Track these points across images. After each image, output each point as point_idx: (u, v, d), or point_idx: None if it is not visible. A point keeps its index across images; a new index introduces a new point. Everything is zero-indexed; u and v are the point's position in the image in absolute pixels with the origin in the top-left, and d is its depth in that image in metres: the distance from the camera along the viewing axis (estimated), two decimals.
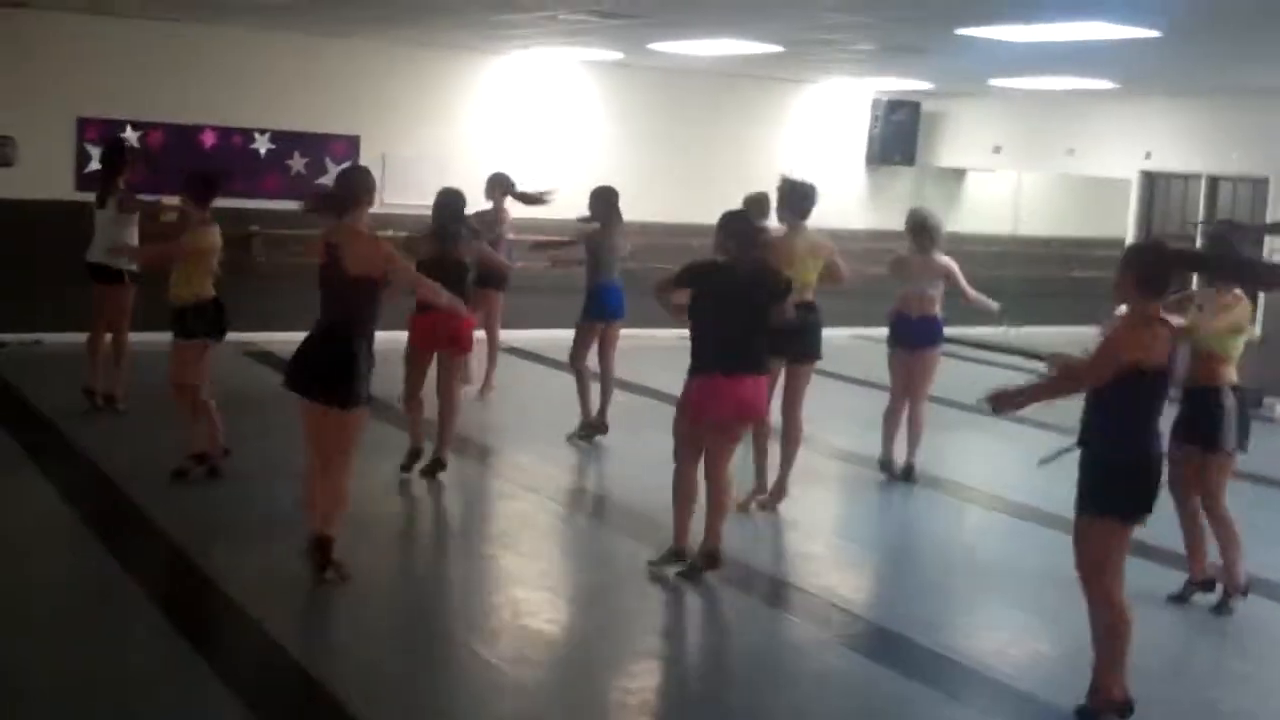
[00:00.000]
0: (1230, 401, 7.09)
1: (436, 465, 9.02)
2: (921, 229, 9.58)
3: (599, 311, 10.36)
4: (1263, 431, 12.79)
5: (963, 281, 9.62)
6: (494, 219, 11.76)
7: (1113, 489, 5.56)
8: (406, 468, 9.05)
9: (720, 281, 7.20)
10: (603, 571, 7.73)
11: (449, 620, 6.79)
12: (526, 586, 7.27)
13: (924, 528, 9.10)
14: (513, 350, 13.43)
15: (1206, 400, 7.09)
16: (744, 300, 7.15)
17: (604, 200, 10.49)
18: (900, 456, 9.69)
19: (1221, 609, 7.25)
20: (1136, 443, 5.59)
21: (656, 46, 13.24)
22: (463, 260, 8.89)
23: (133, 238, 10.26)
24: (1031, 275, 17.67)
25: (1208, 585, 7.35)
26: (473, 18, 11.69)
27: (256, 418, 9.72)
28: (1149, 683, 5.95)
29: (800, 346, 8.48)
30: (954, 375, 11.21)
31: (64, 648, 6.14)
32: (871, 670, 6.31)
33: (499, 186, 11.98)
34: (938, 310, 9.64)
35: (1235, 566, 7.21)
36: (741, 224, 7.36)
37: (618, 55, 14.57)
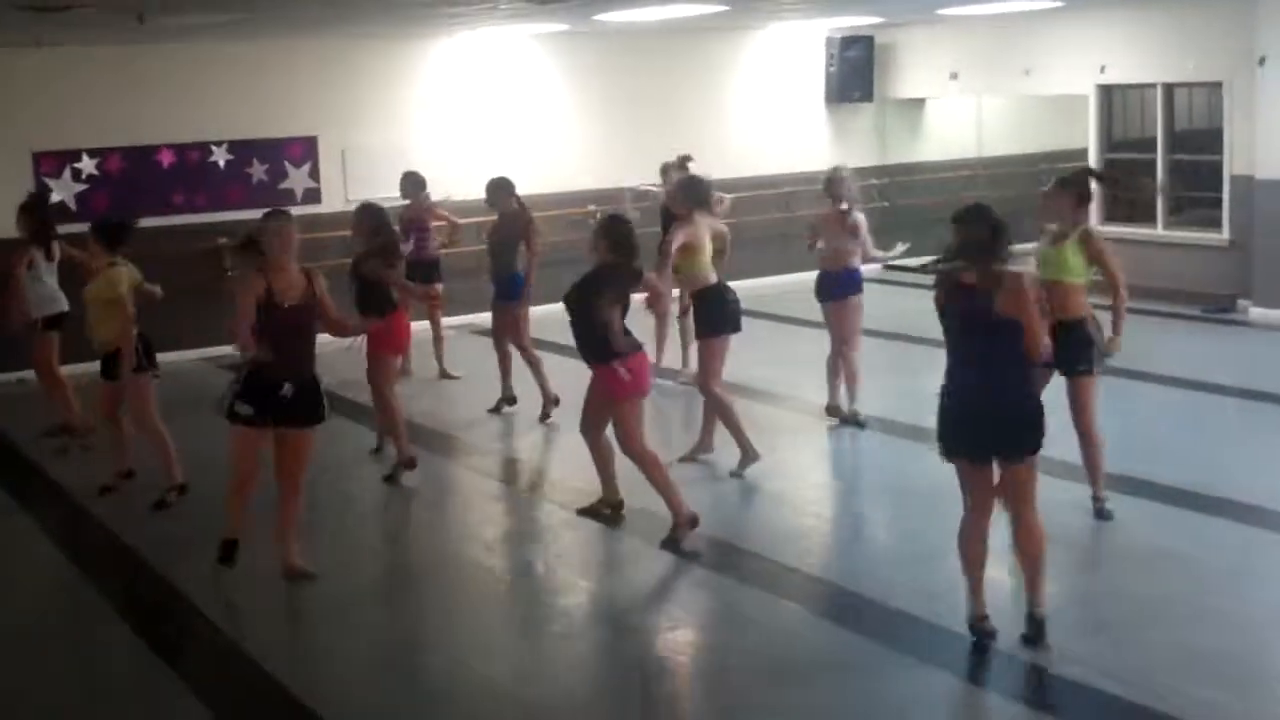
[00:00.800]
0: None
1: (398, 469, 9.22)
2: (837, 186, 9.90)
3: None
4: (1238, 336, 13.15)
5: (868, 242, 9.98)
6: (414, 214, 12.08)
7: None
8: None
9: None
10: (594, 574, 7.84)
11: (450, 643, 6.83)
12: (527, 596, 7.39)
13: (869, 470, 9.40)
14: None
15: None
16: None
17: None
18: (845, 403, 10.04)
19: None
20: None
21: (602, 17, 13.22)
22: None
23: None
24: (1002, 196, 17.66)
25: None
26: (415, 11, 11.66)
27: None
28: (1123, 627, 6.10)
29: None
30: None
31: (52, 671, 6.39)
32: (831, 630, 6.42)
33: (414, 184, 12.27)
34: (856, 261, 10.01)
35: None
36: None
37: (564, 27, 14.52)
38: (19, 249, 10.45)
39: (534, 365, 10.62)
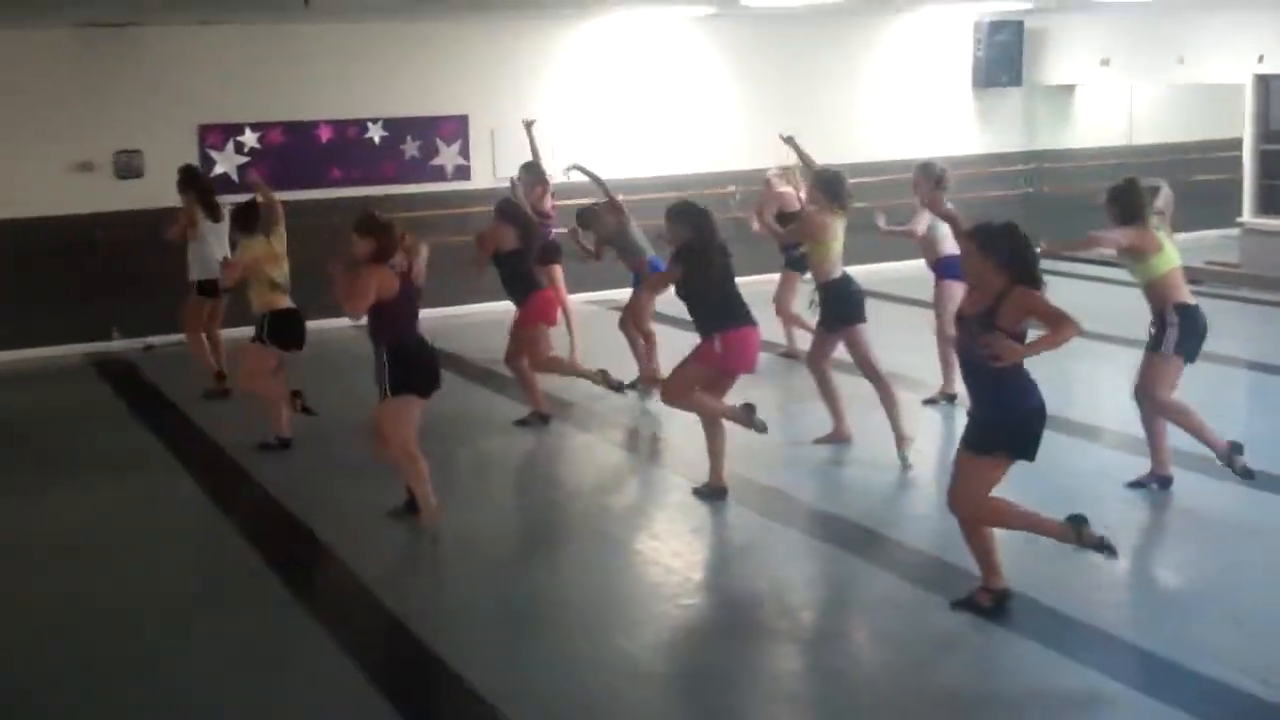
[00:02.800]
0: None
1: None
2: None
3: None
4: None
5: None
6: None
7: None
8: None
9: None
10: (730, 550, 7.99)
11: (585, 610, 7.02)
12: (658, 567, 7.53)
13: None
14: None
15: None
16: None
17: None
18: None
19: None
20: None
21: (749, 1, 13.30)
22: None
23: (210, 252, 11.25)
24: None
25: None
26: None
27: None
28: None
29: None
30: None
31: (196, 625, 6.75)
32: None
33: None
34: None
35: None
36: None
37: (711, 10, 14.62)
38: (180, 213, 11.15)
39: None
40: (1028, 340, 6.17)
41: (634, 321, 10.98)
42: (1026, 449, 6.26)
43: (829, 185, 9.26)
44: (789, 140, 10.86)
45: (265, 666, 6.30)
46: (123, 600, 7.14)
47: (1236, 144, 15.57)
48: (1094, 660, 5.99)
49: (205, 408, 11.00)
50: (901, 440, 8.90)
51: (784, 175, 11.96)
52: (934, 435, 9.56)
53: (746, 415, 8.27)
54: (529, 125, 12.11)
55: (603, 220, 11.00)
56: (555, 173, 12.01)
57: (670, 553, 7.73)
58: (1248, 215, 15.30)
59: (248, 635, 6.72)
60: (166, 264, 11.96)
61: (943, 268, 9.97)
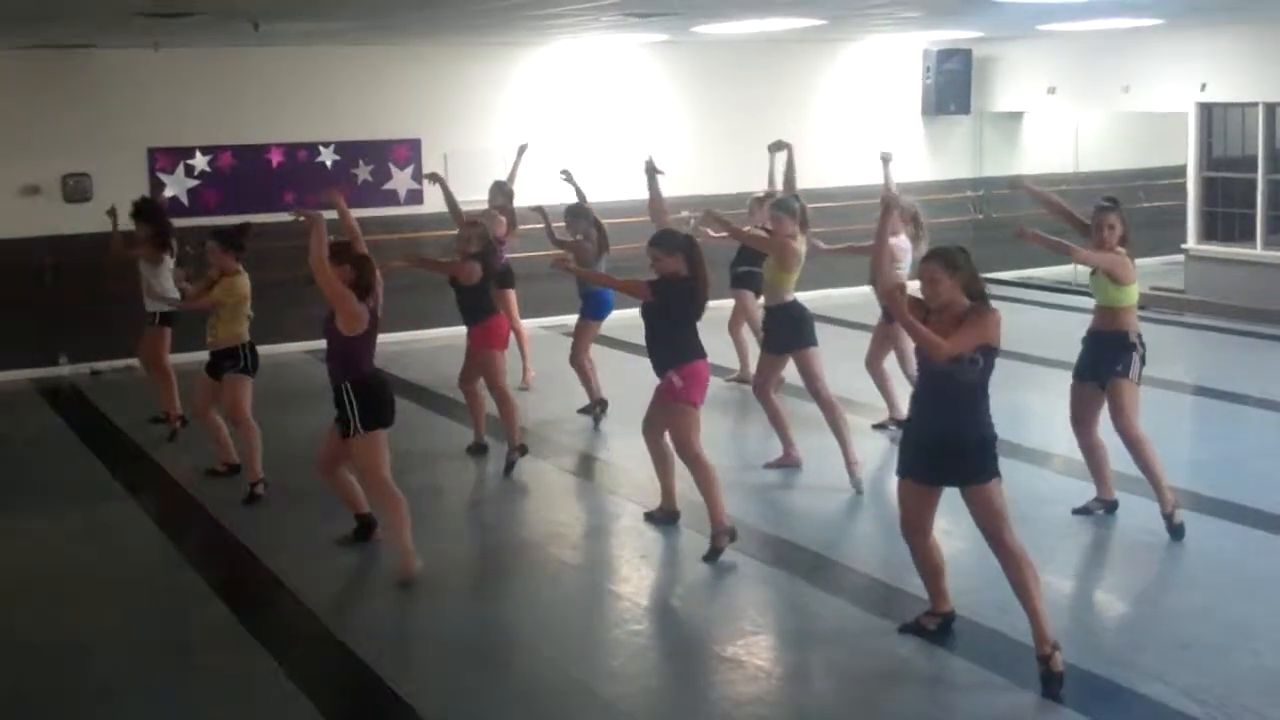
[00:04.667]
0: None
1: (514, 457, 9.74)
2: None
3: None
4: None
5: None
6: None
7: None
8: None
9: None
10: (680, 575, 7.98)
11: (539, 640, 7.01)
12: (608, 594, 7.56)
13: None
14: None
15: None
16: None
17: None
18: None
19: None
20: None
21: (701, 29, 13.40)
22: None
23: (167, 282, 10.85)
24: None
25: None
26: (518, 19, 11.92)
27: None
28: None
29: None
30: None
31: (154, 662, 6.62)
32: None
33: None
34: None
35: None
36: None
37: (664, 37, 14.70)
38: (139, 247, 10.82)
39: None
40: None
41: (582, 351, 11.06)
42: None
43: (802, 214, 9.36)
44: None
45: (220, 699, 6.27)
46: (69, 633, 7.07)
47: (1180, 171, 15.80)
48: (1036, 682, 6.01)
49: (151, 433, 10.90)
50: (852, 464, 8.97)
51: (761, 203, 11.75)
52: (884, 459, 9.61)
53: None
54: (521, 149, 12.49)
55: (587, 227, 11.08)
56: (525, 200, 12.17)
57: (620, 578, 7.76)
58: (1192, 241, 15.53)
59: (201, 667, 6.69)
60: (114, 288, 11.89)
61: None
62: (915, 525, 6.37)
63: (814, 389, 9.18)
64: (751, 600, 7.44)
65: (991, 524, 6.08)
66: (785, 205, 9.44)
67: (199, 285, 10.16)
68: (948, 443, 6.10)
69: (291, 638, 7.05)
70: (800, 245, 9.27)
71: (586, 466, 10.12)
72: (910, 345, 9.65)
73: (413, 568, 7.52)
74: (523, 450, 9.75)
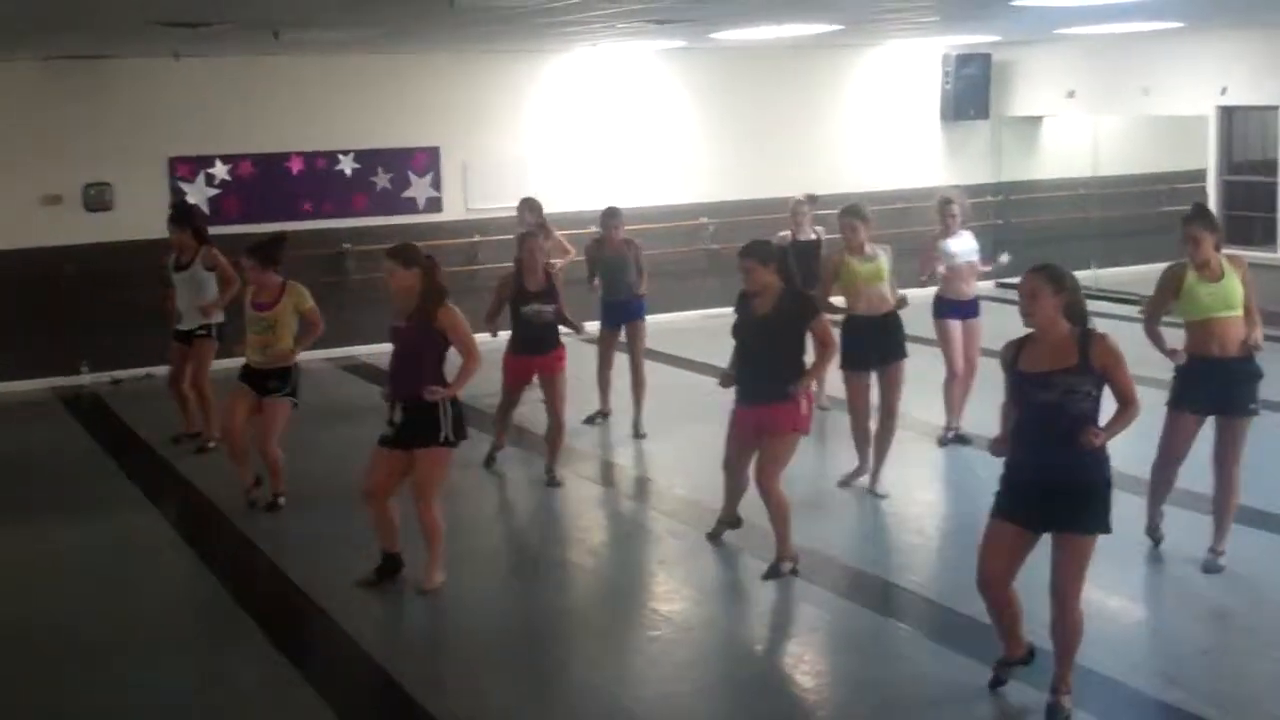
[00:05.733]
0: None
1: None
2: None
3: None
4: None
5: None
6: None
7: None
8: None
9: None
10: (699, 582, 7.93)
11: (556, 645, 7.04)
12: (630, 602, 7.58)
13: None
14: None
15: None
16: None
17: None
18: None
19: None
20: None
21: (719, 35, 13.41)
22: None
23: (213, 292, 10.53)
24: (1116, 215, 17.60)
25: None
26: (536, 26, 11.96)
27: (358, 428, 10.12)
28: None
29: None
30: None
31: (172, 666, 6.71)
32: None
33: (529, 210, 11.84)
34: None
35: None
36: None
37: (681, 44, 14.73)
38: (205, 249, 10.53)
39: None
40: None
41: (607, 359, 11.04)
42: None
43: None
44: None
45: (243, 709, 6.30)
46: (89, 643, 7.08)
47: (1201, 175, 15.74)
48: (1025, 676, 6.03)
49: (174, 445, 10.91)
50: (875, 479, 9.05)
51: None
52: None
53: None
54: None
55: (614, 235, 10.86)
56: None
57: (639, 585, 7.78)
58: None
59: (223, 677, 6.71)
60: (135, 297, 11.96)
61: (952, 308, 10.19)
62: (1000, 575, 5.83)
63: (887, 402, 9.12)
64: (769, 608, 7.42)
65: (1074, 582, 5.68)
66: (857, 212, 9.21)
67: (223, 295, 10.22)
68: (1060, 483, 5.63)
69: (315, 646, 7.09)
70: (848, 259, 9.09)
71: (606, 473, 10.12)
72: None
73: (439, 580, 7.50)
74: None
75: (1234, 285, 7.31)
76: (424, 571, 7.50)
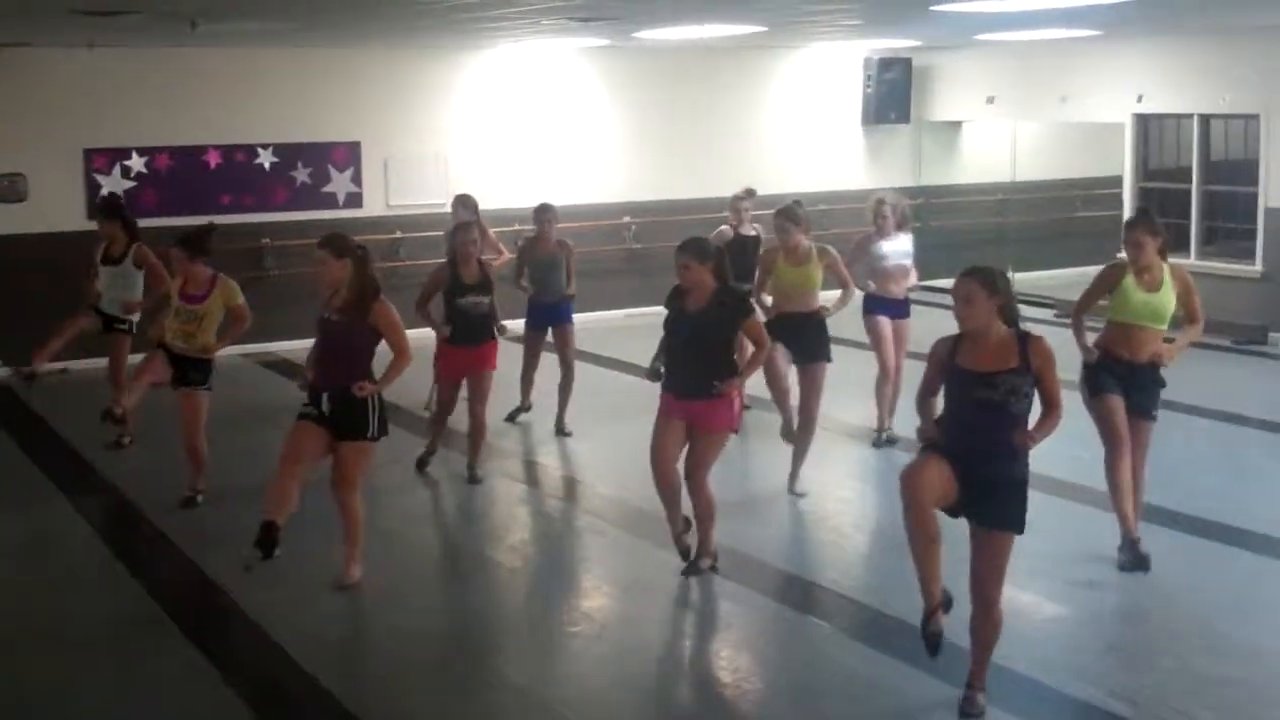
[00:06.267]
0: None
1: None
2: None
3: None
4: (1268, 368, 13.23)
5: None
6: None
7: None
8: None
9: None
10: (620, 579, 7.96)
11: (477, 644, 7.01)
12: (550, 599, 7.59)
13: None
14: None
15: None
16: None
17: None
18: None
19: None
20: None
21: (642, 34, 13.44)
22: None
23: (139, 290, 10.38)
24: (1035, 220, 17.85)
25: None
26: (458, 22, 11.92)
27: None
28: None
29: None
30: None
31: (88, 664, 6.60)
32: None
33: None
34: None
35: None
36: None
37: (605, 42, 14.74)
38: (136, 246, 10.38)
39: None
40: None
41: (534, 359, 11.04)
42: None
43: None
44: None
45: (158, 704, 6.22)
46: (4, 633, 6.99)
47: (1117, 181, 16.00)
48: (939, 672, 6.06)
49: (87, 437, 10.74)
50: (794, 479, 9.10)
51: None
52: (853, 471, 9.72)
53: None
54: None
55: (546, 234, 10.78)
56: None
57: (563, 583, 7.80)
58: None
59: (138, 671, 6.63)
60: (49, 289, 11.75)
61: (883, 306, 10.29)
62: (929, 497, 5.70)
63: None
64: (687, 599, 7.42)
65: (998, 581, 5.76)
66: (789, 214, 9.19)
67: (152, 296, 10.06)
68: (987, 479, 5.67)
69: (229, 642, 7.00)
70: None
71: (529, 472, 10.11)
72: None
73: (357, 575, 7.44)
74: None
75: (1167, 299, 7.44)
76: (343, 566, 7.44)
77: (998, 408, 5.62)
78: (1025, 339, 5.70)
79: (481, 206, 11.68)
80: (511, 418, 11.10)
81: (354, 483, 7.34)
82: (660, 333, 7.60)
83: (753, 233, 11.13)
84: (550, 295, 10.74)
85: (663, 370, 7.51)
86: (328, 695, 6.20)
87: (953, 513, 5.80)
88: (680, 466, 7.45)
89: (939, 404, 5.91)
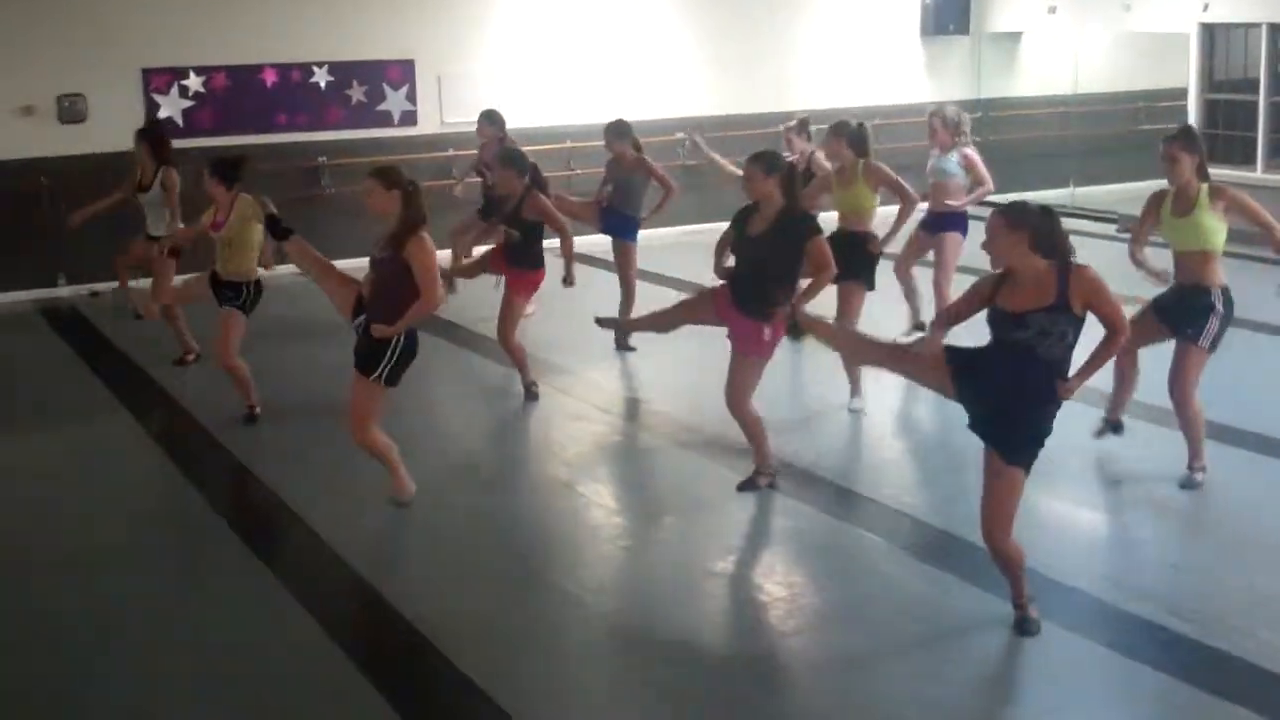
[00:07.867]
0: None
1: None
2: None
3: None
4: None
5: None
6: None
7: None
8: None
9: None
10: (674, 495, 7.97)
11: (530, 553, 7.06)
12: (604, 512, 7.65)
13: None
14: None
15: None
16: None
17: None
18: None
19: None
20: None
21: None
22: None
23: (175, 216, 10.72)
24: (1097, 133, 17.56)
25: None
26: None
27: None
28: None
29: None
30: None
31: (156, 578, 6.78)
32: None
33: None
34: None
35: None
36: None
37: None
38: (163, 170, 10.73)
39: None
40: None
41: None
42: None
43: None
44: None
45: (219, 613, 6.33)
46: (70, 552, 7.10)
47: (1182, 94, 15.69)
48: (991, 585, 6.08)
49: (150, 353, 10.87)
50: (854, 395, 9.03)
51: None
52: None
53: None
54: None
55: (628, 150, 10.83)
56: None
57: (612, 496, 7.87)
58: None
59: (200, 583, 6.77)
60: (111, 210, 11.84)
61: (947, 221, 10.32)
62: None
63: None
64: (739, 517, 7.44)
65: (1000, 518, 5.67)
66: (838, 130, 9.13)
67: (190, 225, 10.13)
68: (1005, 407, 5.60)
69: (289, 551, 7.15)
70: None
71: (585, 389, 10.12)
72: (952, 255, 10.00)
73: (410, 489, 7.48)
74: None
75: (1201, 221, 7.29)
76: (392, 487, 7.49)
77: (1027, 350, 5.47)
78: (1067, 271, 5.48)
79: (533, 123, 11.61)
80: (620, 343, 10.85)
81: (360, 422, 7.24)
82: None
83: (801, 162, 10.86)
84: (628, 208, 10.77)
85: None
86: (384, 603, 6.31)
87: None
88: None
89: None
